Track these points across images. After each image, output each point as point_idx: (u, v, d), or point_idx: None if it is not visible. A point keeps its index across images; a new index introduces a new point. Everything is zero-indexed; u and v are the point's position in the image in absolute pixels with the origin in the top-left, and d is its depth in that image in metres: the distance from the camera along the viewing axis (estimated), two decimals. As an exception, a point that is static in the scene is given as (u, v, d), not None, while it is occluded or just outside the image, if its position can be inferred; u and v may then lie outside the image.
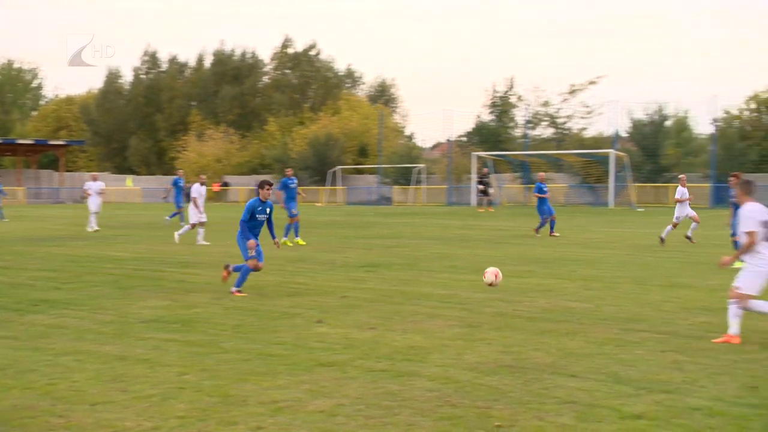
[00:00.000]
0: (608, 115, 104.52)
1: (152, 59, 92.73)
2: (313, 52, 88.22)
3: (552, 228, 26.27)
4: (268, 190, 13.31)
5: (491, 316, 10.92)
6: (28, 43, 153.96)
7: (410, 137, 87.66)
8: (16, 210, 48.44)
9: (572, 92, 64.85)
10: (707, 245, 21.49)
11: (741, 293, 9.31)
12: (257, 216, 13.18)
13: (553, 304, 11.93)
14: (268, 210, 13.27)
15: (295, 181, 23.80)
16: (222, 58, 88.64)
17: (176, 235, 23.56)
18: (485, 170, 50.55)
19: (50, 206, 62.29)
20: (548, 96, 65.40)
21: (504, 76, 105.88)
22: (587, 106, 64.83)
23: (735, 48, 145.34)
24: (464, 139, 68.22)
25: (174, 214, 31.96)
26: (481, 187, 48.50)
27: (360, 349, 8.86)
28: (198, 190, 23.46)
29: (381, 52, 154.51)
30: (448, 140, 62.74)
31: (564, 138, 65.31)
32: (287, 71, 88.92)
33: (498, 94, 66.46)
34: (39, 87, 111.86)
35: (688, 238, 21.97)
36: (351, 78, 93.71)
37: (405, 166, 64.86)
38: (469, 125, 69.99)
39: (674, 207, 22.77)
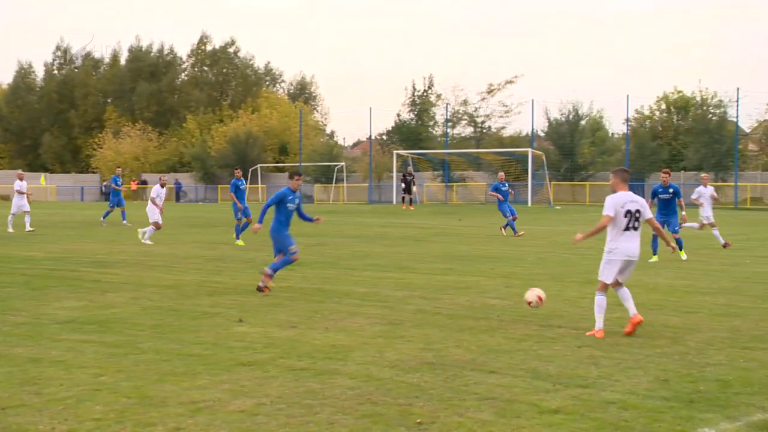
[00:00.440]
0: (526, 114, 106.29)
1: (65, 54, 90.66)
2: (231, 50, 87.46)
3: (512, 228, 25.33)
4: (297, 180, 13.53)
5: (412, 314, 10.98)
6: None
7: (331, 135, 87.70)
8: None
9: (491, 91, 65.83)
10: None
11: (599, 281, 9.78)
12: (287, 205, 13.30)
13: (474, 302, 12.07)
14: (297, 201, 13.45)
15: (244, 182, 23.56)
16: (138, 54, 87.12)
17: (143, 237, 22.58)
18: (409, 168, 50.87)
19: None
20: (467, 95, 66.33)
21: (423, 75, 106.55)
22: (505, 106, 65.91)
23: (647, 48, 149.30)
24: (385, 137, 68.57)
25: (107, 213, 31.53)
26: (403, 185, 48.84)
27: (281, 348, 8.82)
28: (157, 191, 23.43)
29: (300, 50, 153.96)
30: (369, 138, 62.92)
31: (483, 137, 66.18)
32: (206, 68, 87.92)
33: (417, 93, 66.98)
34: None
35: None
36: (270, 76, 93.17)
37: (326, 164, 64.80)
38: (389, 123, 70.46)
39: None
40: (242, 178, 23.60)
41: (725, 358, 8.38)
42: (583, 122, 58.95)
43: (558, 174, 56.66)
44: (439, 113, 67.22)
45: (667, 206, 18.16)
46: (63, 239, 24.04)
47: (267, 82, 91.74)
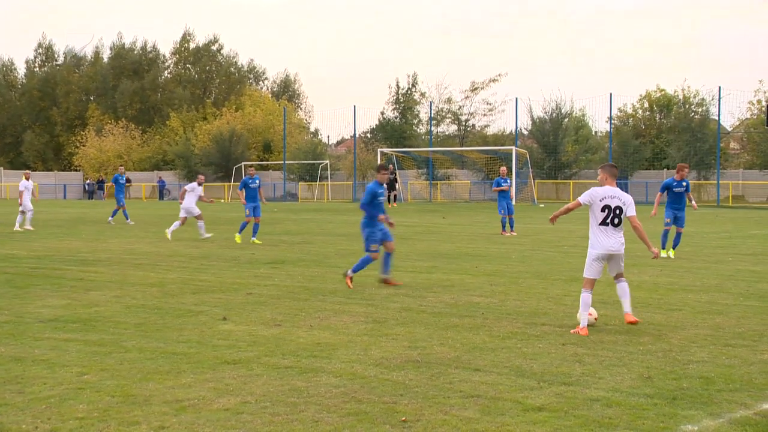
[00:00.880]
0: (510, 113, 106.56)
1: (47, 51, 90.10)
2: (215, 47, 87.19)
3: (506, 227, 25.02)
4: (384, 173, 14.07)
5: (397, 312, 10.99)
6: None
7: (315, 133, 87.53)
8: None
9: (474, 89, 65.92)
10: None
11: (584, 278, 9.84)
12: (379, 198, 13.79)
13: (458, 299, 12.09)
14: (385, 193, 13.81)
15: (258, 180, 22.96)
16: (121, 52, 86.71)
17: (168, 231, 23.15)
18: (390, 167, 50.90)
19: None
20: (451, 93, 66.39)
21: (407, 73, 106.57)
22: (489, 104, 66.04)
23: (629, 47, 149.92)
24: (369, 135, 68.55)
25: (115, 212, 31.08)
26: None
27: (265, 346, 8.81)
28: (193, 187, 23.96)
29: (284, 48, 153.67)
30: (353, 136, 62.90)
31: (467, 135, 66.28)
32: (189, 66, 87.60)
33: (401, 91, 67.00)
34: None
35: None
36: (254, 73, 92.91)
37: (310, 162, 64.70)
38: (373, 121, 70.45)
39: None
40: (255, 176, 22.81)
41: (708, 356, 8.43)
42: (566, 120, 59.12)
43: (542, 172, 56.81)
44: (423, 111, 67.33)
45: (680, 200, 18.30)
46: (46, 237, 23.90)
47: (250, 80, 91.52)
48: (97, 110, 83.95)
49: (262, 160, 71.56)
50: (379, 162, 55.19)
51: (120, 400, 6.80)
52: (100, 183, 72.37)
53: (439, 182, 60.40)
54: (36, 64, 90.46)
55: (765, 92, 57.27)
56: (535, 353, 8.54)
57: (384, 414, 6.47)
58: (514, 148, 52.99)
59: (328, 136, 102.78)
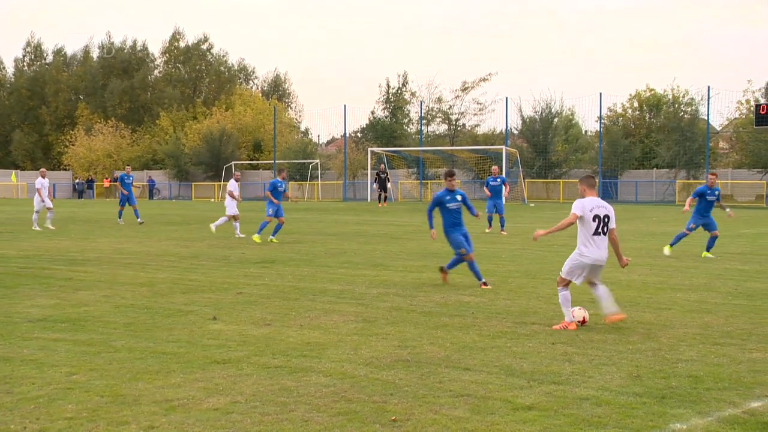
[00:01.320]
0: (500, 112, 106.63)
1: (36, 50, 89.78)
2: (204, 46, 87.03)
3: (491, 223, 25.16)
4: (451, 180, 13.74)
5: (387, 311, 10.99)
6: None
7: (305, 133, 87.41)
8: None
9: (465, 89, 65.90)
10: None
11: (560, 276, 9.99)
12: (447, 206, 13.57)
13: (448, 299, 12.10)
14: (459, 197, 13.68)
15: (284, 183, 22.89)
16: (110, 51, 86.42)
17: (212, 226, 24.88)
18: (382, 166, 50.89)
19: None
20: (442, 92, 66.34)
21: (397, 72, 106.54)
22: (479, 103, 66.05)
23: (619, 47, 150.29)
24: (359, 135, 68.51)
25: (122, 211, 30.73)
26: (375, 185, 48.88)
27: (255, 346, 8.80)
28: (233, 185, 24.69)
29: (274, 47, 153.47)
30: (344, 136, 62.87)
31: (457, 134, 66.30)
32: (179, 65, 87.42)
33: (392, 90, 66.99)
34: None
35: None
36: (244, 72, 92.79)
37: (300, 161, 64.64)
38: (363, 121, 70.38)
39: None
40: (284, 180, 22.89)
41: (697, 354, 8.47)
42: (556, 120, 59.21)
43: (532, 171, 56.87)
44: (414, 111, 67.31)
45: (710, 208, 18.69)
46: (35, 236, 23.81)
47: (241, 79, 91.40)
48: (86, 109, 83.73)
49: (252, 160, 71.43)
50: (377, 163, 55.18)
51: (109, 400, 6.79)
52: (90, 182, 72.20)
53: (429, 181, 60.41)
54: (25, 63, 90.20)
55: (754, 92, 57.45)
56: (524, 352, 8.55)
57: (374, 413, 6.47)
58: (504, 147, 53.05)
59: (319, 136, 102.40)
